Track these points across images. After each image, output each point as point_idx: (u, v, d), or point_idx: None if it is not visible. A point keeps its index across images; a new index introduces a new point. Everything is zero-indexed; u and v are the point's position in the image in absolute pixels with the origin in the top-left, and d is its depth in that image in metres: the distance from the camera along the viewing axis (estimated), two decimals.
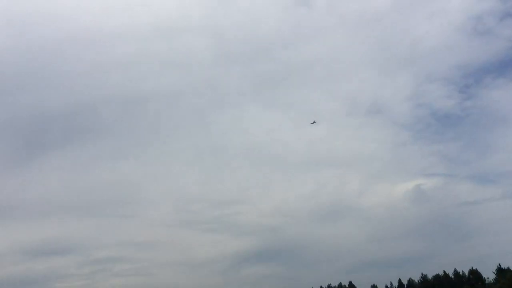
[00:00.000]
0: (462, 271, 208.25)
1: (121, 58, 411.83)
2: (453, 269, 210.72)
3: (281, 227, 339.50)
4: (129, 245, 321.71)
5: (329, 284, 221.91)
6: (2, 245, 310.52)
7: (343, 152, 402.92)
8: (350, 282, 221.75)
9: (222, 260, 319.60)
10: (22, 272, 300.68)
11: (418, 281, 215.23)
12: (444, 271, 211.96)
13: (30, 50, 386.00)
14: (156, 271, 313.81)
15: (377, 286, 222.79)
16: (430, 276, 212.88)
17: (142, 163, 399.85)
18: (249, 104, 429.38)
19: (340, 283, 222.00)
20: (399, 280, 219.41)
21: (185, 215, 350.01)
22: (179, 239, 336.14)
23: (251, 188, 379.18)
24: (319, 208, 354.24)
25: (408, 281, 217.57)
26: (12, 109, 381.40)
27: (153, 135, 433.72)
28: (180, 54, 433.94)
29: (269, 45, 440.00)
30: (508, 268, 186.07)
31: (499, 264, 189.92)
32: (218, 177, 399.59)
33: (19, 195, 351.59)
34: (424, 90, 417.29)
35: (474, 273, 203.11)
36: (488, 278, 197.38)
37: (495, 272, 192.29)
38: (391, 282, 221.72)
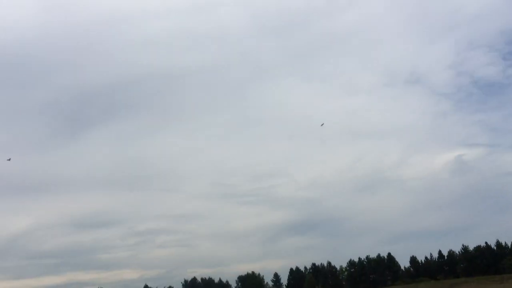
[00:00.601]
0: (505, 242, 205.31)
1: (158, 34, 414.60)
2: (495, 240, 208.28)
3: (319, 199, 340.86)
4: (170, 217, 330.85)
5: (367, 256, 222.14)
6: (52, 218, 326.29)
7: (381, 123, 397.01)
8: (389, 254, 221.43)
9: (260, 232, 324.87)
10: (71, 243, 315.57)
11: (459, 252, 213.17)
12: (486, 243, 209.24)
13: (69, 30, 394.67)
14: (196, 242, 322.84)
15: (417, 257, 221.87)
16: (471, 248, 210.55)
17: (181, 137, 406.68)
18: (285, 77, 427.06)
19: (379, 255, 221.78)
20: (439, 252, 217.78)
21: (223, 188, 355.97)
22: (218, 212, 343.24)
23: (288, 161, 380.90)
24: (357, 180, 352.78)
25: (448, 252, 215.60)
26: (55, 88, 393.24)
27: (191, 110, 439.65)
28: (216, 28, 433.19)
29: (305, 16, 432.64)
30: None
31: None
32: (255, 150, 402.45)
33: (65, 170, 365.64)
34: (465, 57, 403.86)
35: None
36: None
37: None
38: (430, 254, 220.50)
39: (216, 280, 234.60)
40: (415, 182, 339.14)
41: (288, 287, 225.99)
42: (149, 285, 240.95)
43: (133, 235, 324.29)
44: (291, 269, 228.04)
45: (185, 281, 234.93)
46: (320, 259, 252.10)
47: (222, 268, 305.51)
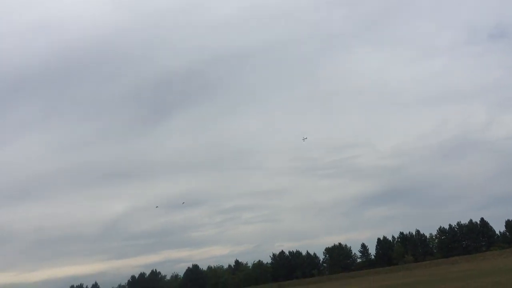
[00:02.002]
0: None
1: (226, 16, 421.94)
2: None
3: (402, 167, 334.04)
4: (254, 194, 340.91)
5: (458, 222, 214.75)
6: (145, 200, 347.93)
7: (464, 84, 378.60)
8: (482, 219, 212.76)
9: (344, 203, 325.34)
10: (164, 223, 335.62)
11: None
12: None
13: (141, 22, 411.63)
14: (281, 217, 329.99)
15: None
16: None
17: (257, 115, 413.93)
18: (357, 45, 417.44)
19: (471, 220, 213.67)
20: None
21: (304, 162, 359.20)
22: (301, 186, 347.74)
23: (367, 130, 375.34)
24: (442, 145, 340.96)
25: None
26: (135, 79, 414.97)
27: (265, 87, 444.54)
28: (283, 4, 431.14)
29: None
30: None
31: None
32: (333, 122, 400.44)
33: (151, 155, 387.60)
34: None
35: None
36: None
37: None
38: None
39: (304, 253, 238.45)
40: (506, 142, 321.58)
41: (376, 257, 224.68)
42: (239, 260, 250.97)
43: (220, 213, 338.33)
44: (379, 239, 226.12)
45: (273, 254, 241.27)
46: (408, 228, 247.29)
47: (309, 240, 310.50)
